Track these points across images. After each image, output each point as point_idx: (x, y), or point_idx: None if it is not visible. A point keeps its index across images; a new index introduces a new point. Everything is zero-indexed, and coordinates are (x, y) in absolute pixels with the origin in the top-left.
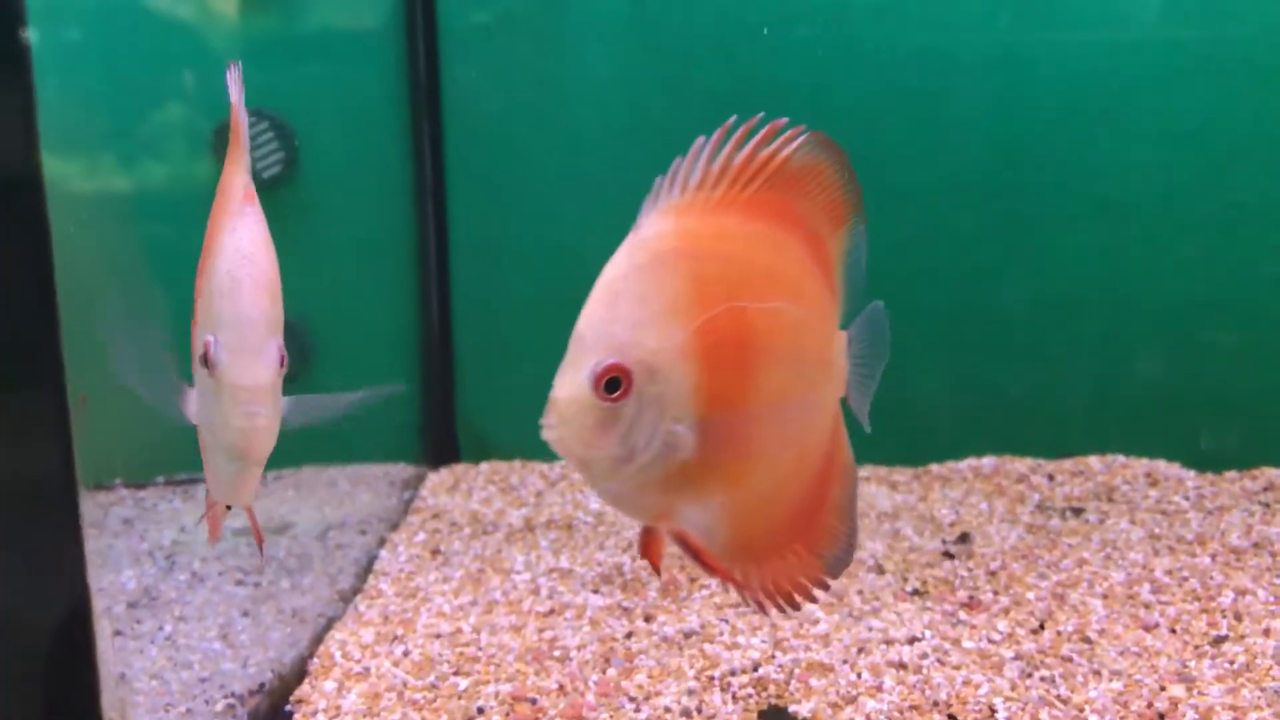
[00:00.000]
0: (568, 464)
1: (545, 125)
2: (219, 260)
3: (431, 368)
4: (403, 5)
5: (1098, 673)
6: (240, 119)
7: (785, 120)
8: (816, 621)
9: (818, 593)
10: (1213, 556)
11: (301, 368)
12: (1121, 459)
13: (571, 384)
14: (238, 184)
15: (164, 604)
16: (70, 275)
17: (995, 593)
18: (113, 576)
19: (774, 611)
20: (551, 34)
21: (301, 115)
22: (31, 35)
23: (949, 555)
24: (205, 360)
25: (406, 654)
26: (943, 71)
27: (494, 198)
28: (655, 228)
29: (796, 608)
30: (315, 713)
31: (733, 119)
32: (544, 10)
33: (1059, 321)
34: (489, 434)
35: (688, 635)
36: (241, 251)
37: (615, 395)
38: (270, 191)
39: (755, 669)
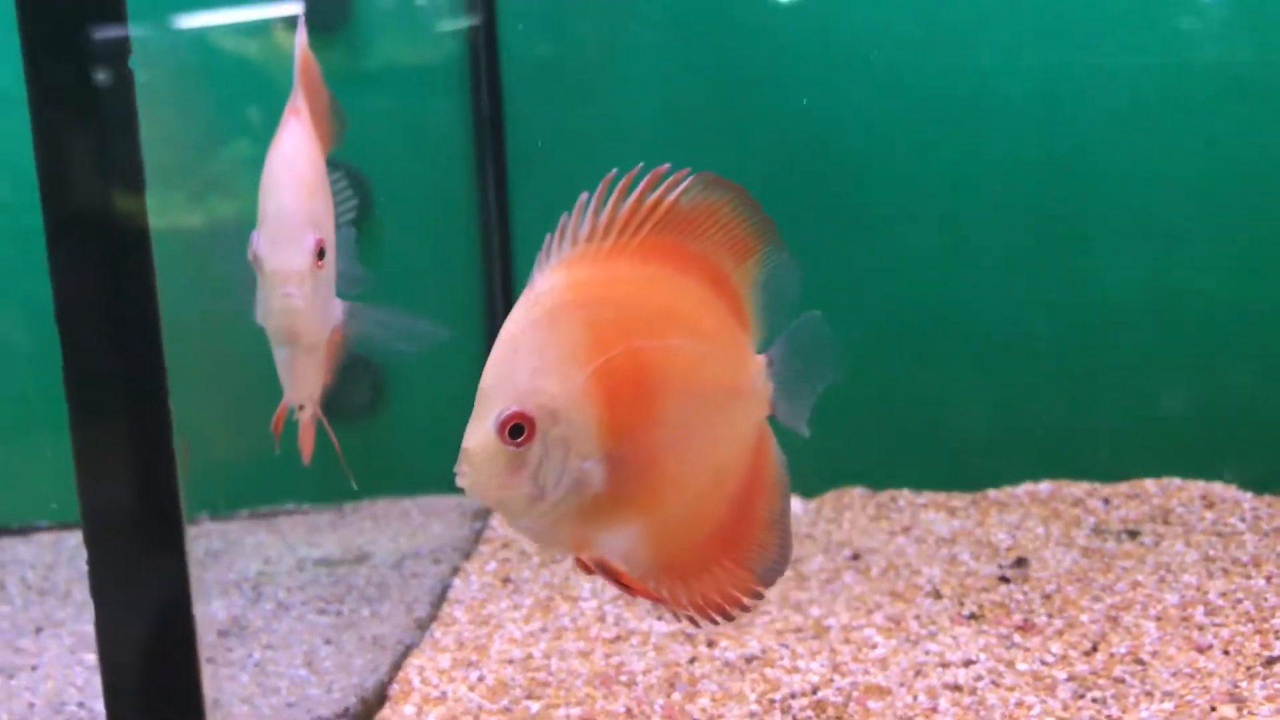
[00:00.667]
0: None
1: (601, 158)
2: (265, 166)
3: None
4: (466, 39)
5: (1149, 694)
6: (302, 54)
7: (668, 166)
8: (874, 646)
9: (876, 618)
10: (1268, 579)
11: (375, 402)
12: (1177, 481)
13: (479, 433)
14: (290, 105)
15: (252, 633)
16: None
17: (1050, 616)
18: (204, 606)
19: (715, 622)
20: (605, 71)
21: (369, 152)
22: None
23: (1005, 579)
24: (252, 255)
25: (481, 679)
26: (986, 98)
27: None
28: (548, 283)
29: (730, 618)
30: None
31: (613, 171)
32: (599, 46)
33: (1112, 344)
34: None
35: (749, 660)
36: (283, 154)
37: (520, 440)
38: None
39: (814, 692)
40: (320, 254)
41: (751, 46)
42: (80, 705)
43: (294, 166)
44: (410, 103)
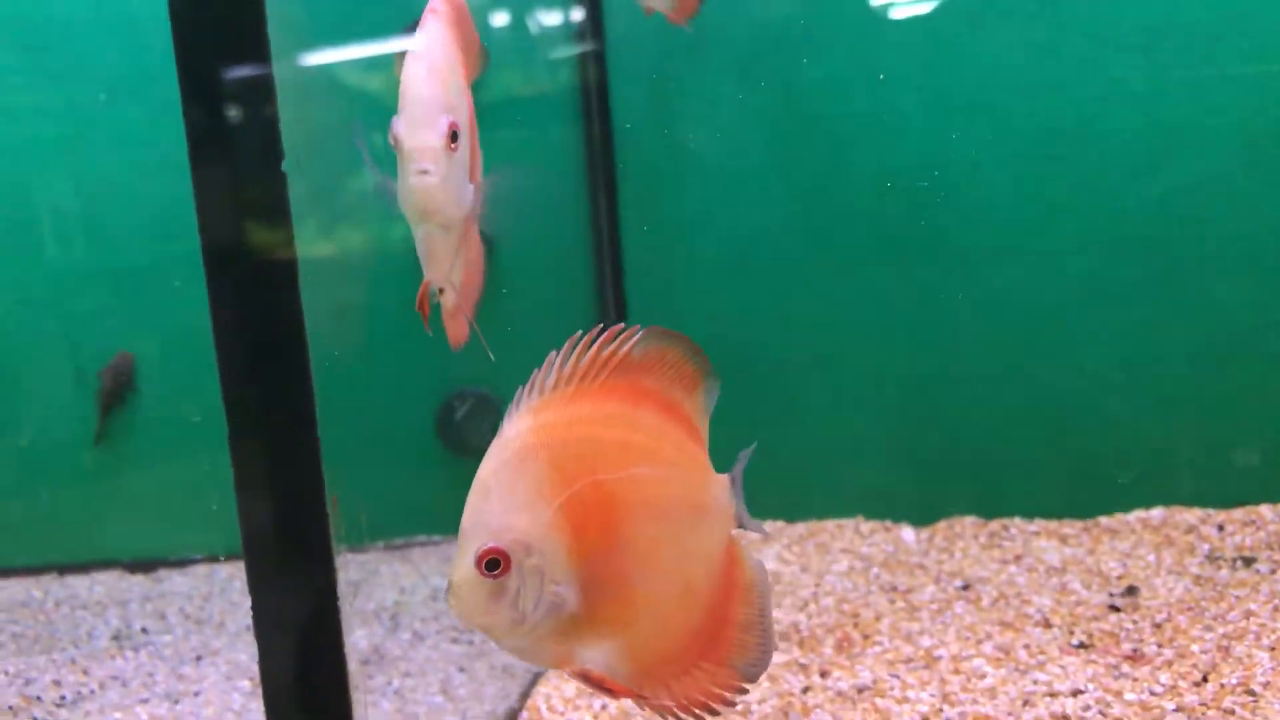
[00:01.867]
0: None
1: (711, 205)
2: (405, 60)
3: None
4: (577, 70)
5: None
6: None
7: (622, 325)
8: (984, 676)
9: (986, 648)
10: None
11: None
12: None
13: (462, 568)
14: (429, 6)
15: (390, 661)
16: None
17: (1159, 645)
18: (347, 635)
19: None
20: (709, 119)
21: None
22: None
23: (1115, 608)
24: (392, 139)
25: (605, 707)
26: (1092, 137)
27: (666, 272)
28: (516, 428)
29: (716, 714)
30: None
31: (578, 333)
32: (702, 89)
33: (1223, 371)
34: None
35: (860, 690)
36: (420, 47)
37: (497, 573)
38: None
39: None
40: (454, 137)
41: (854, 95)
42: None
43: (428, 57)
44: (529, 133)
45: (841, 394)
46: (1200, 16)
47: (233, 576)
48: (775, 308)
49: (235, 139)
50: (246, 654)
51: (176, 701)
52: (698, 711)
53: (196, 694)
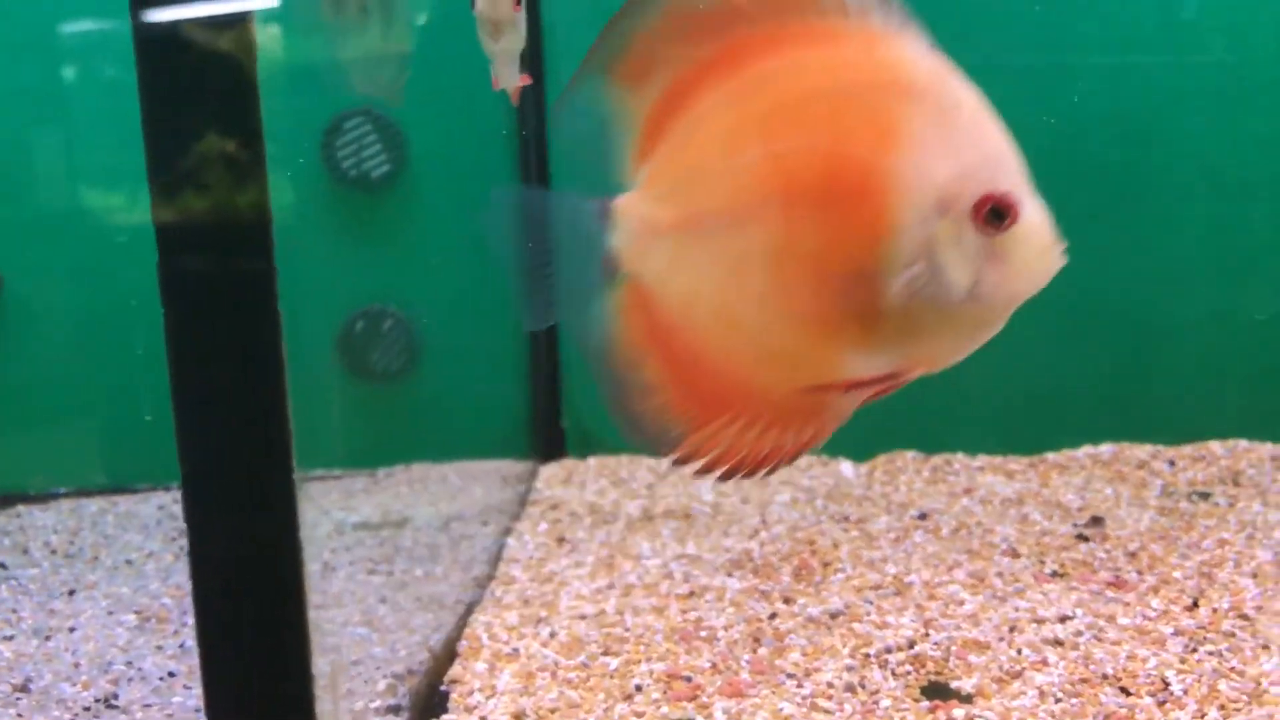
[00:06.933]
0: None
1: None
2: None
3: (538, 363)
4: None
5: (1265, 647)
6: None
7: None
8: (962, 602)
9: (958, 575)
10: None
11: (409, 364)
12: (1244, 443)
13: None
14: None
15: None
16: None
17: (1139, 573)
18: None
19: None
20: None
21: (409, 112)
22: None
23: (1083, 538)
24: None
25: (554, 635)
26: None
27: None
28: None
29: None
30: (471, 692)
31: None
32: None
33: (1170, 302)
34: (595, 429)
35: (833, 615)
36: None
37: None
38: (379, 192)
39: (911, 646)
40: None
41: None
42: (129, 664)
43: None
44: (444, 44)
45: None
46: None
47: (104, 511)
48: None
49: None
50: (129, 587)
51: (48, 638)
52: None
53: (72, 630)
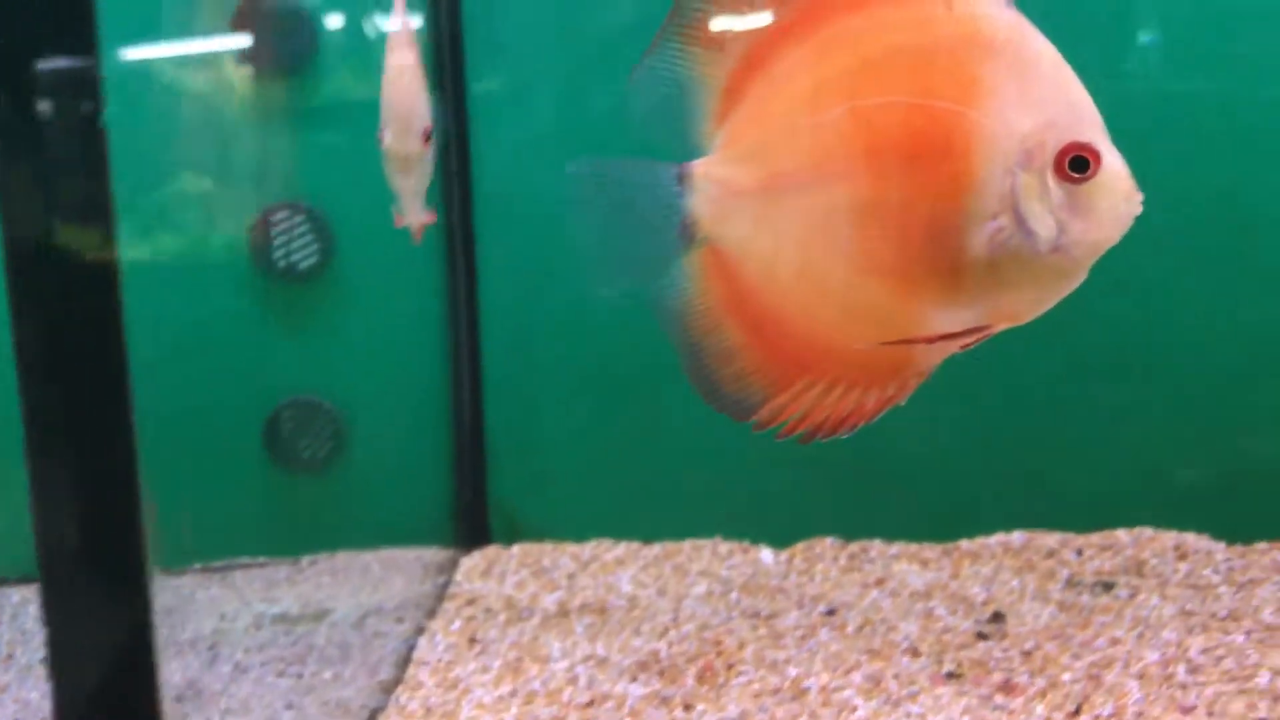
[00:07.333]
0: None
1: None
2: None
3: (463, 449)
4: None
5: None
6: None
7: None
8: (855, 709)
9: (855, 678)
10: (1247, 634)
11: (336, 452)
12: (1149, 531)
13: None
14: (398, 25)
15: (209, 697)
16: None
17: (1031, 674)
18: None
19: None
20: (575, 111)
21: (332, 194)
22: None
23: (983, 636)
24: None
25: None
26: None
27: (526, 278)
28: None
29: None
30: None
31: None
32: (567, 79)
33: (1082, 389)
34: (521, 516)
35: None
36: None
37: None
38: (307, 283)
39: None
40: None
41: None
42: None
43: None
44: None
45: (701, 407)
46: None
47: (27, 601)
48: (637, 317)
49: (49, 133)
50: (39, 691)
51: None
52: None
53: None
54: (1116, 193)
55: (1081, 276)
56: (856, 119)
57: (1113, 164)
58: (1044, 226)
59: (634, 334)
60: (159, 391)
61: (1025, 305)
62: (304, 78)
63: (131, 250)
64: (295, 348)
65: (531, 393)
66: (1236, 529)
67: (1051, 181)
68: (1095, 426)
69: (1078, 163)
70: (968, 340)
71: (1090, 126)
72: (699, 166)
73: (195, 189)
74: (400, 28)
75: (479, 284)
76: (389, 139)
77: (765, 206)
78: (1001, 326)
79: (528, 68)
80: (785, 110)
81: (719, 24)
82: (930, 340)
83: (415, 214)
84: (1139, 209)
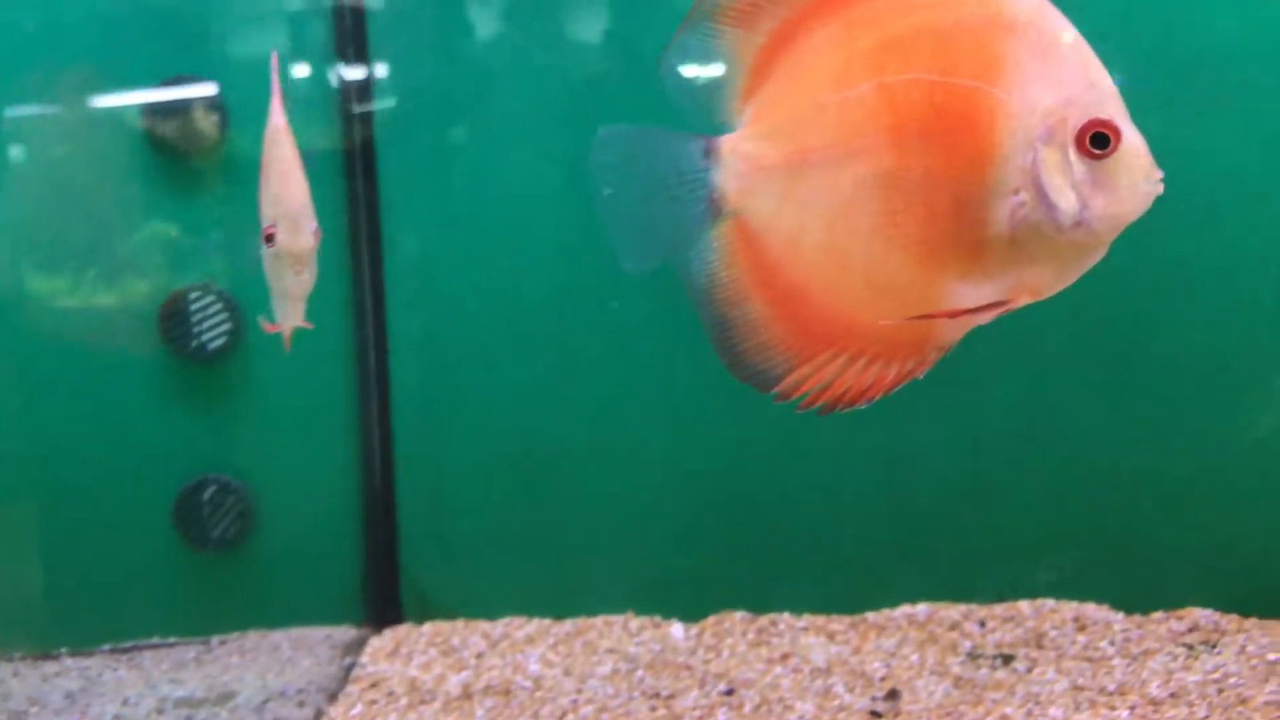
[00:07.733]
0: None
1: (492, 289)
2: (270, 171)
3: (375, 527)
4: (343, 175)
5: None
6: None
7: None
8: None
9: None
10: (1131, 709)
11: (245, 531)
12: (1051, 603)
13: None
14: (278, 119)
15: None
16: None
17: None
18: None
19: None
20: (488, 190)
21: (245, 286)
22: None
23: (876, 715)
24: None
25: None
26: None
27: (438, 355)
28: None
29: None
30: None
31: None
32: (480, 159)
33: (988, 458)
34: (433, 593)
35: None
36: (282, 159)
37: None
38: (216, 364)
39: None
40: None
41: None
42: None
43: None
44: None
45: (615, 482)
46: None
47: None
48: (551, 389)
49: None
50: None
51: None
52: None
53: None
54: (1136, 169)
55: (1101, 252)
56: (882, 96)
57: (1133, 141)
58: (1065, 200)
59: (545, 410)
60: (68, 471)
61: (1046, 280)
62: (216, 159)
63: (41, 329)
64: (204, 427)
65: (443, 469)
66: (1133, 599)
67: (1073, 156)
68: (999, 497)
69: (1098, 139)
70: (987, 315)
71: (1111, 104)
72: (726, 142)
73: (105, 268)
74: (279, 119)
75: (390, 360)
76: (282, 237)
77: (791, 181)
78: (1022, 302)
79: (440, 146)
80: (812, 87)
81: (750, 3)
82: (952, 315)
83: (296, 318)
84: (1160, 187)
